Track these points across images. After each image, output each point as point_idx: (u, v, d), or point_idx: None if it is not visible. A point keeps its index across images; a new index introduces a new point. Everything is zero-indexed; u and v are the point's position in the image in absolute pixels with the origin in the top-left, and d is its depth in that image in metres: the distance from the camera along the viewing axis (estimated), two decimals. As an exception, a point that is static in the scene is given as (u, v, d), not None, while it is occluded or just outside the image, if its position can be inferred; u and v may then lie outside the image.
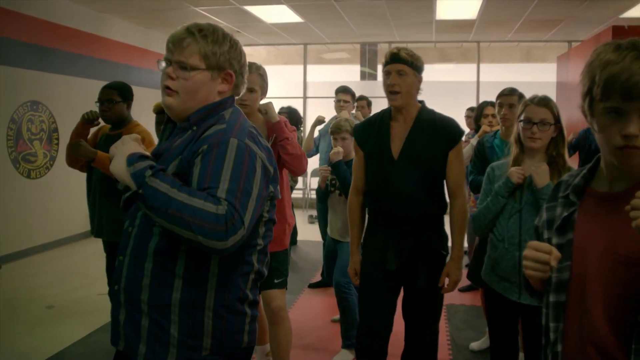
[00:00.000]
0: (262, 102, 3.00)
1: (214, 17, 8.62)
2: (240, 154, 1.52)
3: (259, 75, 2.94)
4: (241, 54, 1.73)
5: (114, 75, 8.22)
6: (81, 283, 5.67)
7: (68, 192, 7.50)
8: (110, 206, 3.33)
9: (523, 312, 2.54)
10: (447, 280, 2.67)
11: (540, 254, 1.29)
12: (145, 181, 1.43)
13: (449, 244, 2.72)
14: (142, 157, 1.49)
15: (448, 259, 2.69)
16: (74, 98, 7.41)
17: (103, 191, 3.39)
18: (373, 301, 2.72)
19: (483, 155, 3.57)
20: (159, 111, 3.69)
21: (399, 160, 2.59)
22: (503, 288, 2.56)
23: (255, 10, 8.23)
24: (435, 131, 2.60)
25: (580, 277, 1.31)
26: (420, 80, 2.62)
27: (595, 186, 1.36)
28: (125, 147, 1.54)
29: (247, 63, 2.86)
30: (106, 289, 3.44)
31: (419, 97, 2.71)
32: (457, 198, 2.66)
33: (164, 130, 1.78)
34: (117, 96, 3.36)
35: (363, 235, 2.84)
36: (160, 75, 1.66)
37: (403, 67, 2.54)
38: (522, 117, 2.52)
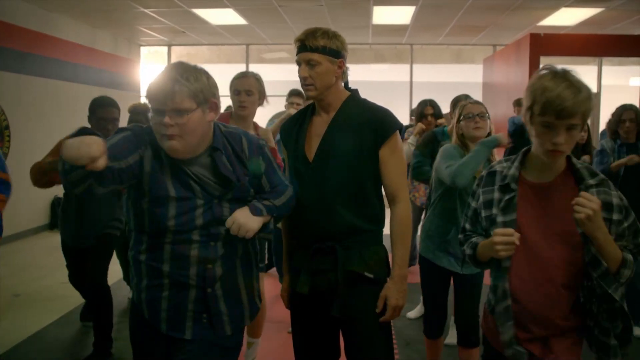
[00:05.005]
0: (261, 129, 3.33)
1: (160, 18, 8.88)
2: (268, 152, 2.15)
3: (256, 80, 3.16)
4: (214, 81, 1.92)
5: (63, 74, 8.42)
6: (42, 273, 5.90)
7: (18, 188, 7.52)
8: (94, 213, 3.62)
9: (458, 280, 2.99)
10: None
11: (507, 237, 1.71)
12: (275, 208, 2.05)
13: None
14: (254, 205, 1.98)
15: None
16: (25, 96, 7.51)
17: (82, 202, 3.62)
18: (302, 336, 2.33)
19: (434, 141, 3.66)
20: (133, 111, 4.08)
21: (314, 162, 2.18)
22: (448, 262, 2.95)
23: (202, 12, 8.56)
24: (361, 124, 2.15)
25: (524, 247, 1.79)
26: (340, 64, 2.16)
27: (526, 175, 1.87)
28: (240, 213, 1.94)
29: (242, 72, 3.28)
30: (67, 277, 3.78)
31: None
32: (398, 204, 2.18)
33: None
34: (118, 114, 3.59)
35: None
36: (154, 125, 1.82)
37: (312, 56, 2.11)
38: (463, 115, 2.96)
